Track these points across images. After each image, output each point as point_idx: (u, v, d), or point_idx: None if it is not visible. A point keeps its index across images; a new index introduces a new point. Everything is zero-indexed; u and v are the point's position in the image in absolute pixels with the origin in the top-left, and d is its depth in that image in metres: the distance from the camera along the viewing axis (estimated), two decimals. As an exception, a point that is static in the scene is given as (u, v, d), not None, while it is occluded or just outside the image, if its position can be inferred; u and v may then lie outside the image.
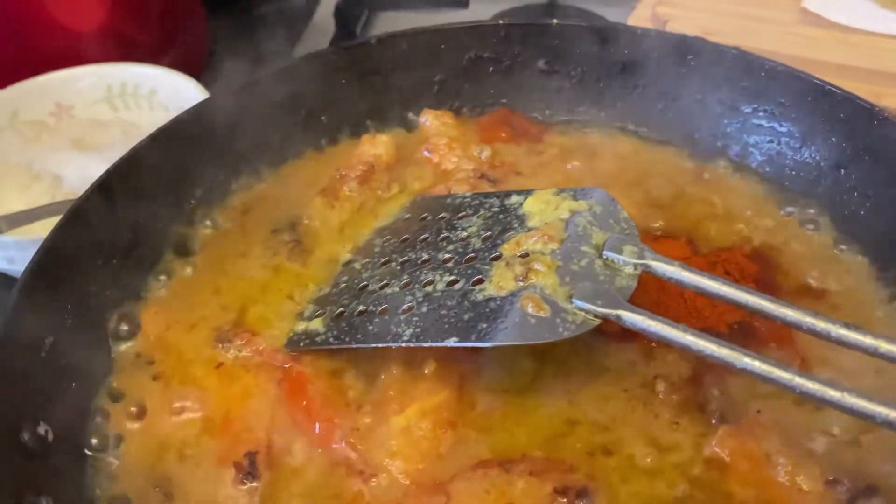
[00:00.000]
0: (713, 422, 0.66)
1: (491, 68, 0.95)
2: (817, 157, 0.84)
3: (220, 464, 0.65)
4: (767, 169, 0.87)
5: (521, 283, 0.65)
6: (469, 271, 0.69)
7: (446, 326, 0.65)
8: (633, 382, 0.69)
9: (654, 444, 0.65)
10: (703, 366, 0.69)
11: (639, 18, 1.17)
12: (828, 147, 0.83)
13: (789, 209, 0.84)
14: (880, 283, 0.77)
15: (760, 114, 0.87)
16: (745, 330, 0.72)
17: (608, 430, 0.66)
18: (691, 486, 0.62)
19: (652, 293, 0.73)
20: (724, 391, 0.67)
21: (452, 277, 0.69)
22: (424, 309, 0.67)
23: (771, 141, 0.87)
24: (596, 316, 0.63)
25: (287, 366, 0.71)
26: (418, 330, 0.66)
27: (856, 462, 0.63)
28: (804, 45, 1.08)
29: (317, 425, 0.67)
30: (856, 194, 0.80)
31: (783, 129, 0.86)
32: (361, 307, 0.71)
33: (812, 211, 0.83)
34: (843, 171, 0.82)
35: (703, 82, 0.89)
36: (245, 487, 0.63)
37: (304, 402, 0.68)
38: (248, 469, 0.64)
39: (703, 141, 0.90)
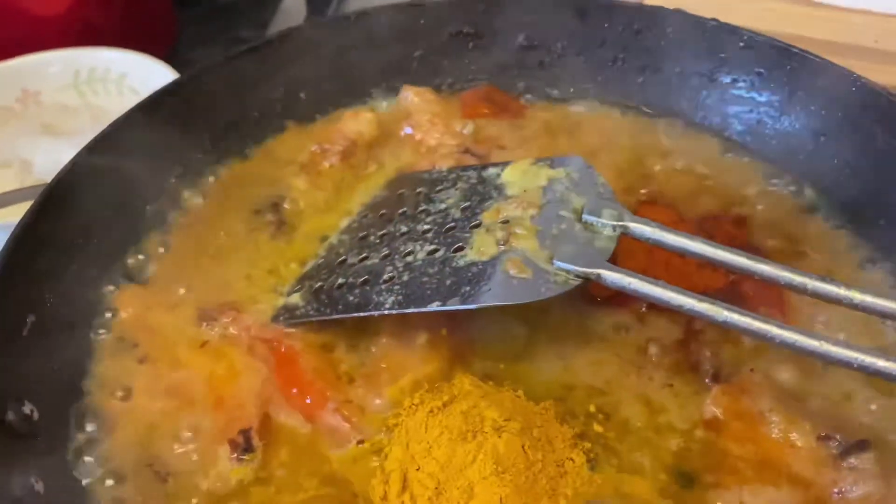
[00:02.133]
0: (706, 381, 0.66)
1: (471, 44, 0.95)
2: (797, 126, 0.85)
3: (214, 441, 0.64)
4: (748, 139, 0.88)
5: (503, 247, 0.65)
6: (449, 240, 0.69)
7: (429, 292, 0.65)
8: (625, 347, 0.70)
9: (649, 406, 0.66)
10: (693, 328, 0.70)
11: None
12: (807, 115, 0.84)
13: (771, 177, 0.84)
14: (859, 248, 0.78)
15: (740, 84, 0.88)
16: (732, 294, 0.72)
17: (604, 394, 0.66)
18: (687, 444, 0.63)
19: (640, 260, 0.73)
20: (716, 352, 0.68)
21: (433, 247, 0.69)
22: (406, 277, 0.67)
23: (751, 111, 0.88)
24: (577, 276, 0.63)
25: (276, 342, 0.70)
26: (400, 297, 0.66)
27: (848, 418, 0.64)
28: (778, 21, 1.09)
29: (308, 398, 0.66)
30: (836, 161, 0.82)
31: (762, 99, 0.87)
32: (341, 280, 0.71)
33: (793, 179, 0.84)
34: (822, 138, 0.83)
35: (683, 54, 0.90)
36: (241, 462, 0.62)
37: (296, 376, 0.67)
38: (244, 445, 0.63)
39: (684, 112, 0.91)
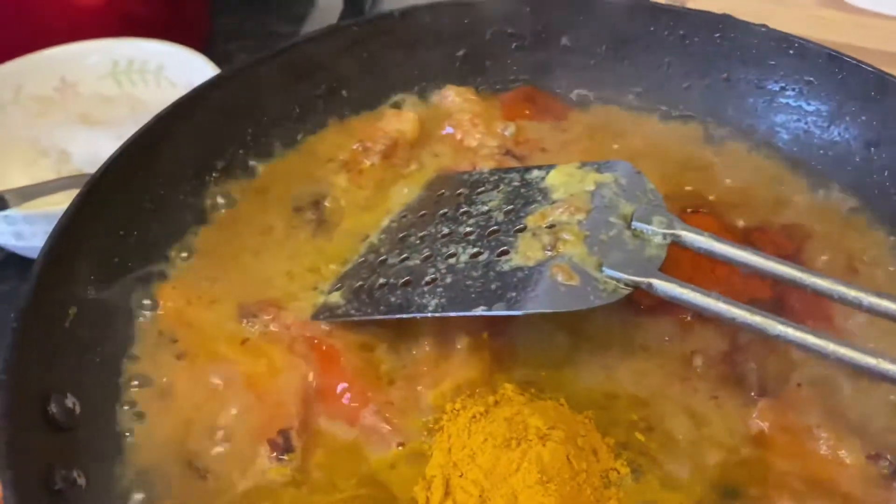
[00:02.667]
0: (752, 395, 0.65)
1: (514, 44, 0.94)
2: (846, 136, 0.83)
3: (254, 440, 0.63)
4: (795, 148, 0.86)
5: (550, 253, 0.64)
6: (493, 243, 0.68)
7: (473, 296, 0.64)
8: (669, 357, 0.68)
9: (693, 418, 0.64)
10: (740, 340, 0.69)
11: (657, -1, 1.16)
12: (857, 126, 0.82)
13: (819, 188, 0.83)
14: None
15: (788, 92, 0.86)
16: (778, 307, 0.71)
17: (647, 405, 0.65)
18: (732, 457, 0.62)
19: (684, 269, 0.72)
20: (763, 365, 0.67)
21: (476, 249, 0.68)
22: (448, 280, 0.66)
23: (798, 120, 0.86)
24: (627, 285, 0.62)
25: (317, 340, 0.70)
26: (444, 300, 0.65)
27: (898, 436, 0.62)
28: (824, 28, 1.08)
29: (349, 398, 0.66)
30: (886, 173, 0.80)
31: (811, 108, 0.85)
32: (382, 280, 0.70)
33: (841, 190, 0.82)
34: (873, 149, 0.81)
35: (730, 60, 0.89)
36: (280, 462, 0.62)
37: (337, 376, 0.67)
38: (284, 445, 0.62)
39: (730, 120, 0.89)
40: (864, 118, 0.82)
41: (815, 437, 0.62)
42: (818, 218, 0.81)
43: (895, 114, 0.79)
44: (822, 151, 0.85)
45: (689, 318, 0.70)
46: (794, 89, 0.86)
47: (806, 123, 0.86)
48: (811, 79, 0.85)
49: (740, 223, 0.79)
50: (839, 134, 0.84)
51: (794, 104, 0.86)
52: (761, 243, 0.77)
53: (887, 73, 0.80)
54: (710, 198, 0.82)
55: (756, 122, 0.88)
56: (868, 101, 0.81)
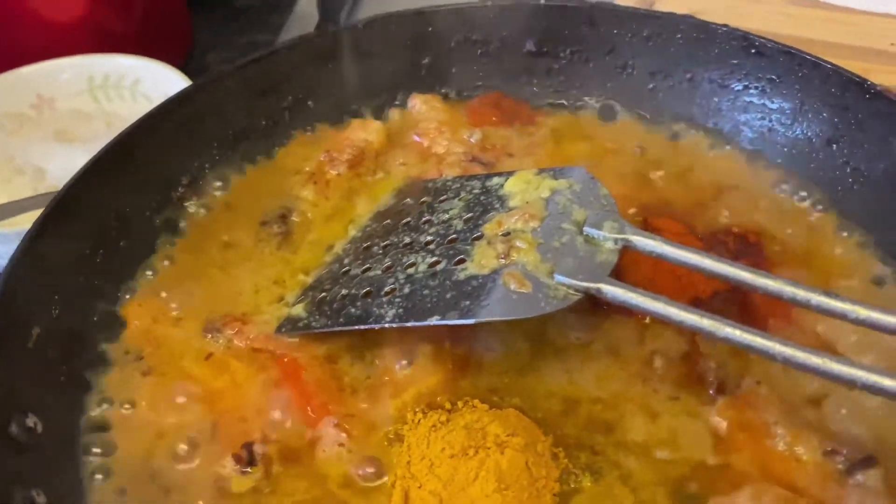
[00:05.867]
0: (711, 393, 0.66)
1: (479, 51, 0.94)
2: (809, 133, 0.84)
3: (218, 454, 0.64)
4: (759, 146, 0.87)
5: (503, 261, 0.64)
6: (451, 252, 0.68)
7: (429, 306, 0.64)
8: (630, 359, 0.69)
9: (654, 418, 0.65)
10: (699, 341, 0.69)
11: None
12: (819, 123, 0.83)
13: (783, 186, 0.83)
14: (875, 257, 0.77)
15: (751, 91, 0.87)
16: (741, 301, 0.71)
17: (608, 407, 0.66)
18: (690, 457, 0.62)
19: (646, 270, 0.73)
20: (721, 365, 0.67)
21: (434, 259, 0.69)
22: (407, 290, 0.67)
23: (762, 118, 0.86)
24: (577, 290, 0.62)
25: (279, 353, 0.70)
26: (401, 310, 0.65)
27: (855, 433, 0.63)
28: (793, 25, 1.08)
29: (310, 411, 0.66)
30: (848, 169, 0.80)
31: (774, 106, 0.86)
32: (344, 291, 0.71)
33: (805, 187, 0.83)
34: (834, 146, 0.81)
35: (693, 61, 0.89)
36: (244, 475, 0.63)
37: (299, 389, 0.67)
38: (248, 458, 0.63)
39: (695, 120, 0.90)
40: (825, 115, 0.82)
41: (773, 434, 0.63)
42: (783, 216, 0.81)
43: (854, 109, 0.79)
44: (785, 149, 0.85)
45: (647, 321, 0.71)
46: (756, 87, 0.86)
47: (770, 121, 0.86)
48: (773, 76, 0.85)
49: (705, 224, 0.80)
50: (802, 131, 0.84)
51: (757, 102, 0.87)
52: (725, 243, 0.77)
53: (847, 70, 0.80)
54: (675, 199, 0.83)
55: (721, 122, 0.89)
56: (828, 97, 0.81)
